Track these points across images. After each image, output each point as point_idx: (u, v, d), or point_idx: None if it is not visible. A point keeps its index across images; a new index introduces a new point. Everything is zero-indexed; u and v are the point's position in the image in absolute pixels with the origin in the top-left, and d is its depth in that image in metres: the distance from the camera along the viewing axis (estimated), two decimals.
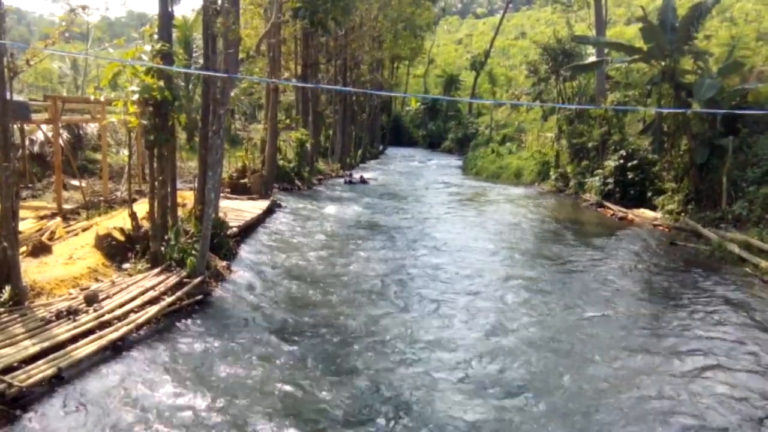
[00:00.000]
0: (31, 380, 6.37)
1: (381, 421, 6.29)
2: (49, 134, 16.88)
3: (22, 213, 10.37)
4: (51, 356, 6.91)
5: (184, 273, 10.06)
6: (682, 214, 17.18)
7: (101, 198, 16.04)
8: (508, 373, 7.47)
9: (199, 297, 9.64)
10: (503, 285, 11.34)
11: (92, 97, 12.65)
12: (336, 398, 6.69)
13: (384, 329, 8.89)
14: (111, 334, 7.72)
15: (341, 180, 28.61)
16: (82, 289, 9.00)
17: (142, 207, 12.19)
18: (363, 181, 28.22)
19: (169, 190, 11.10)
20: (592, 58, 25.49)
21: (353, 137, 39.96)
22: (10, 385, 6.15)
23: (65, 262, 10.10)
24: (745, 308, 10.04)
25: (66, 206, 14.56)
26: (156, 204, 10.77)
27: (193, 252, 10.45)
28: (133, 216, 11.23)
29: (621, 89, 25.20)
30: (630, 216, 18.97)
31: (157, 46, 10.63)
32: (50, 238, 11.50)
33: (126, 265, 10.51)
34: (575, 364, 7.83)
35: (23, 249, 9.96)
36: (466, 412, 6.49)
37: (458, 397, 6.82)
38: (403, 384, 7.10)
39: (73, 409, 6.19)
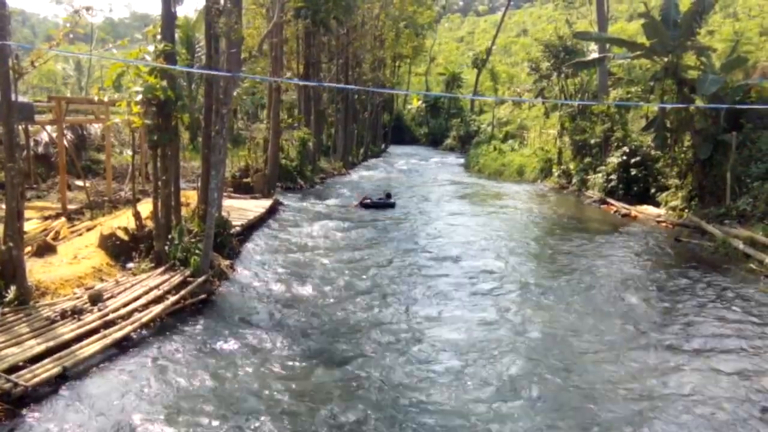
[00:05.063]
0: (36, 379, 6.41)
1: (386, 420, 6.30)
2: (54, 135, 16.95)
3: (26, 213, 10.39)
4: (56, 355, 6.96)
5: (187, 272, 10.09)
6: (686, 210, 17.13)
7: (105, 198, 16.09)
8: (512, 371, 7.46)
9: (203, 296, 9.68)
10: (507, 282, 11.32)
11: (96, 98, 12.68)
12: (340, 398, 6.70)
13: (388, 328, 8.89)
14: (115, 333, 7.76)
15: (343, 178, 28.40)
16: (87, 289, 9.04)
17: (145, 207, 12.23)
18: (381, 204, 19.53)
19: (172, 189, 11.14)
20: (594, 55, 25.43)
21: (355, 136, 39.94)
22: (16, 385, 6.19)
23: (70, 261, 10.15)
24: (750, 304, 10.02)
25: (70, 206, 14.62)
26: (160, 203, 10.81)
27: (197, 251, 10.48)
28: (136, 216, 11.28)
29: (623, 85, 25.15)
30: (633, 213, 18.93)
31: (160, 47, 10.67)
32: (55, 238, 11.55)
33: (130, 265, 10.56)
34: (578, 361, 7.83)
35: (28, 249, 10.01)
36: (471, 410, 6.51)
37: (463, 396, 6.83)
38: (409, 384, 7.11)
39: (77, 408, 6.22)
